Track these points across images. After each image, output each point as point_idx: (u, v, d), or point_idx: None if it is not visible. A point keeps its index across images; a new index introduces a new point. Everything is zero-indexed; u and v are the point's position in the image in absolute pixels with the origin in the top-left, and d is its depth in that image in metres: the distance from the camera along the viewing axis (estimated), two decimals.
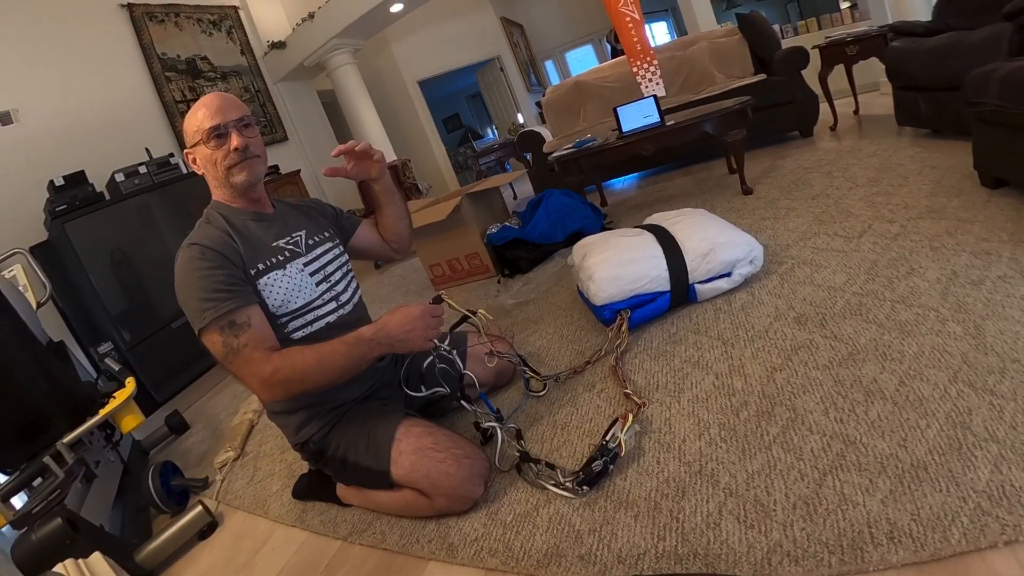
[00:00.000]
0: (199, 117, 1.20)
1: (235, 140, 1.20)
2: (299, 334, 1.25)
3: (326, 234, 1.41)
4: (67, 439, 1.62)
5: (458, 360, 1.39)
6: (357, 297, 1.42)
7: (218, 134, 1.20)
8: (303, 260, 1.30)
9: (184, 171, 3.71)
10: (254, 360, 1.11)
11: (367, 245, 1.55)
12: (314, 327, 1.27)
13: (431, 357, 1.37)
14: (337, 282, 1.36)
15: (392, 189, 1.50)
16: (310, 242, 1.34)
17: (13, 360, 1.56)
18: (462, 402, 1.36)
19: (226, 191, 1.27)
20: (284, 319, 1.24)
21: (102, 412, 1.73)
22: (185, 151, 1.28)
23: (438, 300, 1.31)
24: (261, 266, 1.22)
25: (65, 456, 1.59)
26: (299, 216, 1.40)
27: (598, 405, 1.39)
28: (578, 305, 2.03)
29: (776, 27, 4.58)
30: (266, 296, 1.21)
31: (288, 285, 1.24)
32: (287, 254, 1.28)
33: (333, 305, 1.32)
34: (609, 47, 7.91)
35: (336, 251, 1.41)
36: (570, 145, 3.13)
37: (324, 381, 1.14)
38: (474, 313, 1.42)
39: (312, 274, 1.30)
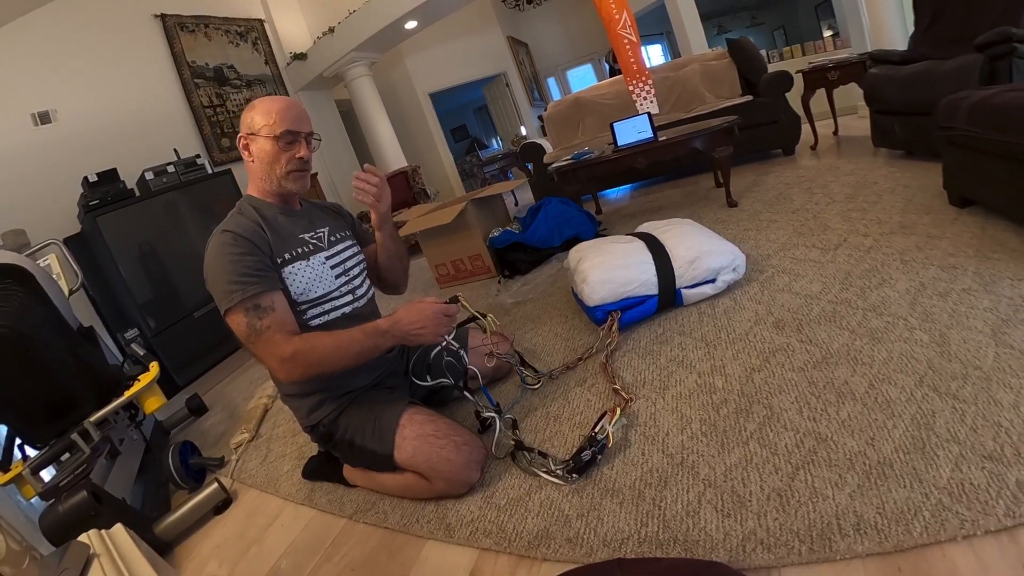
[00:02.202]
0: (274, 115, 1.20)
1: (303, 151, 1.23)
2: (316, 321, 1.26)
3: (346, 233, 1.42)
4: (94, 418, 1.62)
5: (465, 355, 1.39)
6: (371, 292, 1.44)
7: (290, 140, 1.21)
8: (325, 254, 1.31)
9: (209, 171, 3.70)
10: (275, 341, 1.11)
11: (368, 263, 1.51)
12: (331, 316, 1.28)
13: (438, 349, 1.37)
14: (355, 277, 1.37)
15: (388, 222, 1.41)
16: (332, 238, 1.35)
17: (46, 343, 1.56)
18: (464, 393, 1.36)
19: (265, 186, 1.27)
20: (304, 306, 1.24)
21: (127, 393, 1.73)
22: (241, 135, 1.25)
23: (454, 300, 1.31)
24: (287, 255, 1.23)
25: (92, 433, 1.59)
26: (323, 214, 1.41)
27: (588, 399, 1.39)
28: (572, 306, 2.03)
29: (763, 52, 4.58)
30: (289, 284, 1.22)
31: (310, 275, 1.25)
32: (311, 247, 1.29)
33: (349, 298, 1.33)
34: (608, 66, 7.91)
35: (354, 249, 1.41)
36: (569, 157, 3.13)
37: (339, 366, 1.15)
38: (484, 316, 1.42)
39: (332, 267, 1.31)
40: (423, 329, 1.18)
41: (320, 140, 1.30)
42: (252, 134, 1.22)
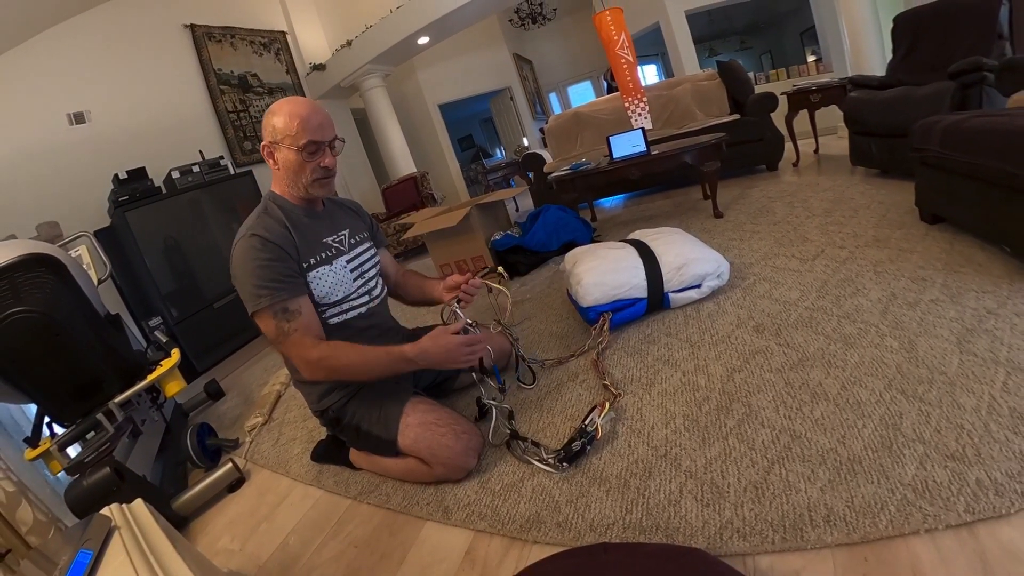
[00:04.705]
0: (296, 124, 1.11)
1: (328, 160, 1.17)
2: (334, 320, 1.25)
3: (365, 235, 1.40)
4: (118, 399, 1.62)
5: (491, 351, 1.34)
6: (384, 292, 1.42)
7: (313, 151, 1.15)
8: (346, 257, 1.28)
9: (232, 172, 3.69)
10: (303, 344, 1.11)
11: (384, 272, 1.49)
12: (348, 315, 1.27)
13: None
14: (370, 279, 1.35)
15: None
16: (352, 241, 1.33)
17: (75, 329, 1.55)
18: (473, 373, 1.32)
19: (291, 191, 1.22)
20: (324, 308, 1.23)
21: (150, 377, 1.73)
22: (265, 144, 1.17)
23: (492, 271, 1.29)
24: (313, 260, 1.20)
25: (116, 414, 1.59)
26: (344, 215, 1.38)
27: (580, 394, 1.39)
28: (567, 306, 2.03)
29: (751, 74, 4.57)
30: (313, 288, 1.19)
31: (333, 280, 1.23)
32: (334, 251, 1.26)
33: (366, 298, 1.31)
34: (605, 84, 7.91)
35: (372, 251, 1.40)
36: (567, 167, 3.13)
37: (361, 378, 1.16)
38: (494, 270, 1.39)
39: (352, 271, 1.29)
40: (448, 360, 1.15)
41: (344, 142, 1.21)
42: (275, 143, 1.15)
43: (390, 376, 1.17)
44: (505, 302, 1.41)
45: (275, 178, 1.24)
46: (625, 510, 0.94)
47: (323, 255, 1.23)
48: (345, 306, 1.26)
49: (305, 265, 1.19)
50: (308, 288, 1.18)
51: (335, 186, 1.27)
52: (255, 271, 1.10)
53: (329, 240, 1.27)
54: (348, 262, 1.28)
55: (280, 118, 1.13)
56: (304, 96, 5.73)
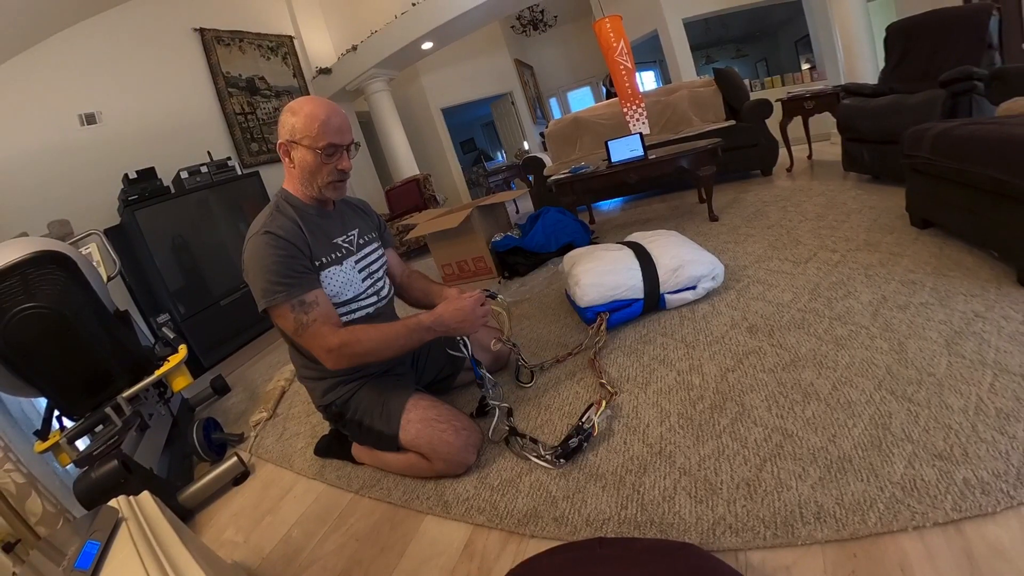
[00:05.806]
0: (317, 125, 1.11)
1: (345, 163, 1.17)
2: (343, 320, 1.23)
3: (373, 235, 1.39)
4: (126, 394, 1.62)
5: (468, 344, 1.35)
6: (392, 292, 1.41)
7: (332, 152, 1.14)
8: (355, 258, 1.27)
9: (239, 173, 3.69)
10: (322, 334, 1.10)
11: (390, 273, 1.48)
12: (356, 315, 1.26)
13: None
14: (378, 279, 1.34)
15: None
16: (361, 241, 1.32)
17: (85, 324, 1.55)
18: (480, 373, 1.32)
19: (304, 191, 1.21)
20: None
21: (157, 372, 1.73)
22: (282, 142, 1.16)
23: (492, 296, 1.32)
24: (324, 259, 1.20)
25: (124, 408, 1.59)
26: (353, 214, 1.37)
27: (577, 392, 1.39)
28: (565, 306, 2.03)
29: (746, 81, 4.58)
30: (324, 287, 1.18)
31: (343, 280, 1.22)
32: (343, 251, 1.25)
33: (375, 299, 1.30)
34: (604, 89, 7.91)
35: (380, 251, 1.39)
36: (567, 170, 3.13)
37: (383, 357, 1.14)
38: (494, 295, 1.41)
39: (360, 271, 1.28)
40: (463, 323, 1.18)
41: (360, 146, 1.21)
42: (293, 142, 1.14)
43: (411, 349, 1.17)
44: (504, 323, 1.43)
45: (288, 176, 1.23)
46: (620, 506, 0.94)
47: (333, 255, 1.22)
48: (354, 306, 1.25)
49: (317, 264, 1.18)
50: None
51: (346, 189, 1.26)
52: (269, 267, 1.09)
53: (339, 240, 1.26)
54: (357, 263, 1.27)
55: (300, 118, 1.13)
56: None
